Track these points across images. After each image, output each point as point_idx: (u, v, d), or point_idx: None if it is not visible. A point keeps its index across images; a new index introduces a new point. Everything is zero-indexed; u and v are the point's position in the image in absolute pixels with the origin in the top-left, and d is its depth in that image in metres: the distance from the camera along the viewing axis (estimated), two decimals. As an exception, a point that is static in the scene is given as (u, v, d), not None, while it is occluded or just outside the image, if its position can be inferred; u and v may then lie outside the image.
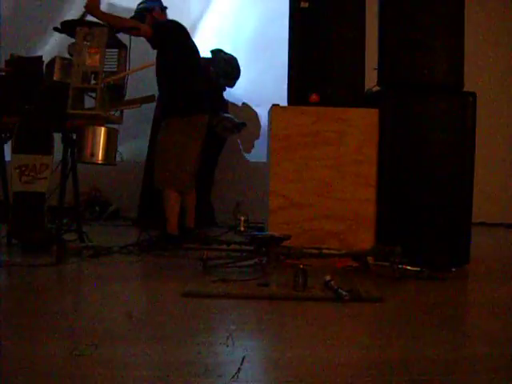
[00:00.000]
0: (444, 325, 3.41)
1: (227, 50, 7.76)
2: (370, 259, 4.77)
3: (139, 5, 5.81)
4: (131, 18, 5.72)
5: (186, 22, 5.90)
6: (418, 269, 4.55)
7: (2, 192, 5.52)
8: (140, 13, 5.73)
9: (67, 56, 5.26)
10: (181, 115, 5.60)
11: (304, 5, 5.13)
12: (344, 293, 3.75)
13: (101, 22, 5.27)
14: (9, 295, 3.99)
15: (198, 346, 2.88)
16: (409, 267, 4.55)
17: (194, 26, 8.23)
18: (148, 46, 5.76)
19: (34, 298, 3.84)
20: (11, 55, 5.40)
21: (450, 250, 4.92)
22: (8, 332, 3.09)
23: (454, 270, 4.80)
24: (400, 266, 4.50)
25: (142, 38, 5.63)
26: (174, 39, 5.67)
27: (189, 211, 5.85)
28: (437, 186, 4.95)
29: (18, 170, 4.81)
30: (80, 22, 5.21)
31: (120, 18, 5.53)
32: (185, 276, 4.42)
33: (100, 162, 5.17)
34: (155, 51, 5.75)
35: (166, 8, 5.88)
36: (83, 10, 5.33)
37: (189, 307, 3.63)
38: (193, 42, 5.82)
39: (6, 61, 5.37)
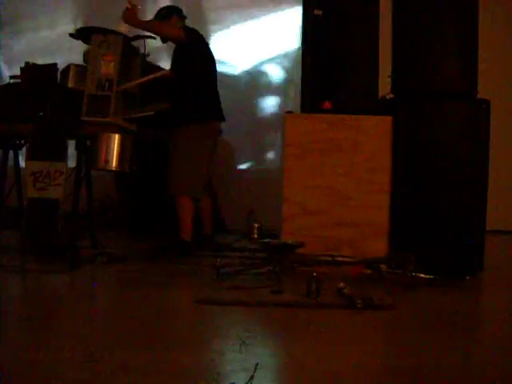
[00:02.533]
0: (457, 333, 3.40)
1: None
2: (383, 267, 4.75)
3: (159, 11, 5.83)
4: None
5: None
6: (432, 276, 4.54)
7: (16, 198, 5.55)
8: (160, 20, 5.74)
9: (82, 63, 5.29)
10: (197, 122, 5.60)
11: (317, 12, 5.13)
12: (357, 300, 3.74)
13: (143, 31, 5.32)
14: (23, 301, 4.01)
15: (211, 353, 2.88)
16: (422, 275, 4.54)
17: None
18: (162, 53, 5.78)
19: (48, 304, 3.86)
20: (26, 63, 5.43)
21: (463, 257, 4.90)
22: (21, 337, 3.10)
23: (467, 277, 4.78)
24: (413, 274, 4.49)
25: (155, 44, 5.67)
26: (201, 46, 5.72)
27: (205, 218, 5.86)
28: (450, 193, 4.93)
29: (32, 177, 4.83)
30: (94, 29, 5.23)
31: (156, 24, 5.62)
32: (198, 283, 4.43)
33: (114, 168, 5.18)
34: (168, 59, 5.77)
35: (185, 17, 5.90)
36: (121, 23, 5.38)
37: (202, 314, 3.64)
38: (211, 50, 5.85)
39: (21, 68, 5.40)
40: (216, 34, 8.18)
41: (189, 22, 5.85)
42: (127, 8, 5.36)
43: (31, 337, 3.12)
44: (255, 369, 2.62)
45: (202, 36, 5.81)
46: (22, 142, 5.41)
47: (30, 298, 4.07)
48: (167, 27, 5.67)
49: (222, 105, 5.86)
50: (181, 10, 5.92)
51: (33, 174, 4.85)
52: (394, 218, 5.00)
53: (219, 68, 6.00)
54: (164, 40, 5.73)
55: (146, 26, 5.48)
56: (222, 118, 5.81)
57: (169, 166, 5.66)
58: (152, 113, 5.39)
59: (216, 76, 5.87)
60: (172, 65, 5.74)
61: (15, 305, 3.89)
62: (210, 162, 5.76)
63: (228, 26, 8.45)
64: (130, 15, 5.36)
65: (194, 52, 5.66)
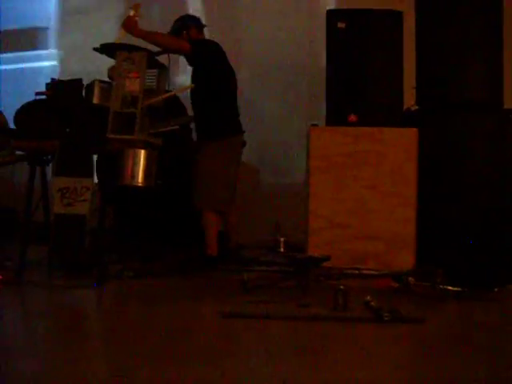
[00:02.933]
0: (485, 347, 3.37)
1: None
2: (411, 280, 4.72)
3: (176, 22, 5.76)
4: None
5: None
6: (460, 289, 4.50)
7: (43, 214, 5.58)
8: (177, 30, 5.68)
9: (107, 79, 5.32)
10: (220, 138, 5.59)
11: (341, 25, 5.14)
12: (385, 313, 3.72)
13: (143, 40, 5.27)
14: (50, 316, 4.03)
15: (238, 368, 2.87)
16: (450, 287, 4.50)
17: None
18: (187, 66, 5.78)
19: (75, 319, 3.87)
20: (52, 79, 5.47)
21: (492, 269, 4.86)
22: (49, 352, 3.11)
23: (496, 289, 4.74)
24: (441, 287, 4.46)
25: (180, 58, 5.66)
26: (213, 58, 5.65)
27: (231, 231, 5.85)
28: (477, 204, 4.91)
29: (59, 193, 4.86)
30: (119, 45, 5.24)
31: (159, 34, 5.48)
32: (224, 297, 4.43)
33: (140, 184, 5.19)
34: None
35: (204, 26, 5.83)
36: (120, 31, 5.34)
37: (228, 328, 3.63)
38: (229, 63, 5.80)
39: (46, 84, 5.45)
40: (238, 44, 8.18)
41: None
42: (128, 16, 5.26)
43: (58, 351, 3.13)
44: None
45: (217, 48, 5.65)
46: (49, 157, 5.44)
47: (57, 313, 4.08)
48: (169, 38, 5.54)
49: (245, 118, 5.84)
50: (199, 20, 5.83)
51: (60, 190, 4.87)
52: (420, 230, 4.97)
53: (242, 80, 5.95)
54: (184, 56, 5.64)
55: (146, 36, 5.32)
56: (241, 131, 5.79)
57: (194, 181, 5.66)
58: (177, 127, 5.41)
59: (235, 89, 5.83)
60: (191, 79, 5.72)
61: (42, 320, 3.91)
62: (236, 175, 5.75)
63: (252, 35, 8.45)
64: (131, 24, 5.25)
65: (205, 65, 5.58)
